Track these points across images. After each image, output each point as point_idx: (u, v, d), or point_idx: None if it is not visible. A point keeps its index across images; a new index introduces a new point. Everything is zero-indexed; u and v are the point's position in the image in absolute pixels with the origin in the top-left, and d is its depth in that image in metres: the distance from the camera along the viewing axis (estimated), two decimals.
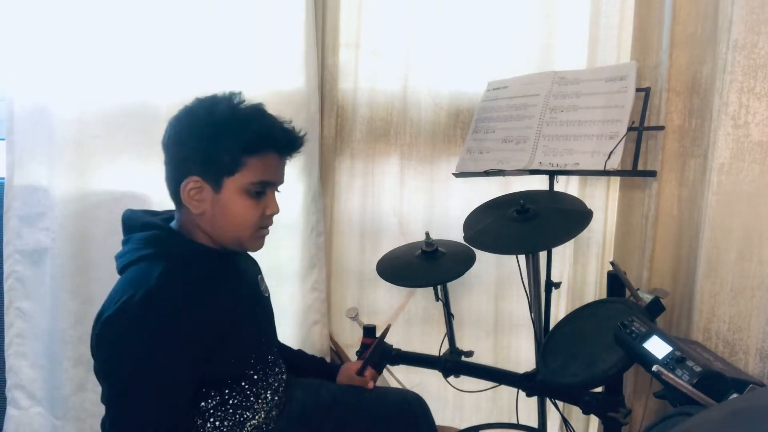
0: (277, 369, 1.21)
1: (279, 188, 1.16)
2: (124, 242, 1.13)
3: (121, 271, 1.09)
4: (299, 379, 1.32)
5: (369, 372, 1.36)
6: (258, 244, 1.15)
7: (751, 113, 1.33)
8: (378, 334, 1.54)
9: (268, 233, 1.16)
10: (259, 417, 1.14)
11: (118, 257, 1.10)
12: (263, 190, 1.10)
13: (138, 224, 1.12)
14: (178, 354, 1.00)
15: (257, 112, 1.11)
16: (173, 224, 1.14)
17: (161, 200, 1.17)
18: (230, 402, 1.10)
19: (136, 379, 0.98)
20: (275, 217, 1.15)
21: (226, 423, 1.09)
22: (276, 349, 1.25)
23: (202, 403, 1.07)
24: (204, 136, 1.06)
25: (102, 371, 1.02)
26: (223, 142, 1.06)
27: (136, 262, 1.06)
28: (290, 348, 1.45)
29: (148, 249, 1.07)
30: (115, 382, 0.99)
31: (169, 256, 1.06)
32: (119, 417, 0.99)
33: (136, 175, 1.63)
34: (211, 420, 1.08)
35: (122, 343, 0.98)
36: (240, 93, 1.12)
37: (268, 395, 1.16)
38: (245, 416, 1.12)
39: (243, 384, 1.11)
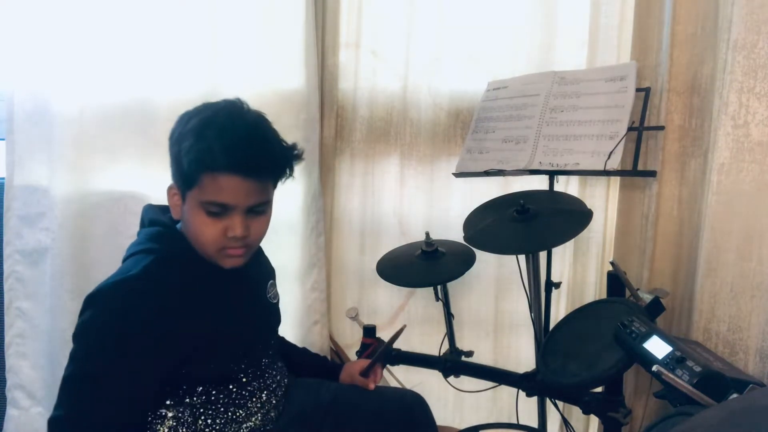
0: (274, 372, 1.21)
1: (258, 210, 1.07)
2: (137, 234, 1.16)
3: (123, 260, 1.12)
4: (299, 379, 1.32)
5: (378, 371, 1.35)
6: (228, 262, 1.08)
7: (751, 113, 1.33)
8: (378, 333, 1.54)
9: (241, 253, 1.08)
10: (256, 419, 1.14)
11: (128, 247, 1.14)
12: (221, 211, 1.04)
13: (147, 219, 1.15)
14: (139, 344, 1.00)
15: (232, 126, 1.03)
16: (180, 224, 1.15)
17: (160, 201, 1.17)
18: (220, 401, 1.10)
19: (92, 361, 0.99)
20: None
21: (218, 420, 1.09)
22: (272, 353, 1.24)
23: (187, 399, 1.07)
24: (174, 143, 1.06)
25: (73, 344, 1.03)
26: (183, 154, 1.02)
27: (135, 255, 1.08)
28: (295, 346, 1.44)
29: (149, 244, 1.09)
30: (74, 359, 1.01)
31: (163, 251, 1.08)
32: (67, 392, 1.01)
33: (136, 175, 1.63)
34: (203, 418, 1.08)
35: (89, 322, 1.01)
36: (237, 100, 1.09)
37: (263, 396, 1.16)
38: (238, 414, 1.11)
39: (231, 386, 1.11)
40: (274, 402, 1.18)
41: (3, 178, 1.64)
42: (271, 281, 1.28)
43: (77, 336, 1.02)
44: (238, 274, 1.13)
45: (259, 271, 1.26)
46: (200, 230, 1.05)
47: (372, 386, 1.31)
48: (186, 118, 1.06)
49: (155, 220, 1.14)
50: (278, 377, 1.21)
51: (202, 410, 1.08)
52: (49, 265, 1.62)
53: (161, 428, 1.06)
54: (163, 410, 1.06)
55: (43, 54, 1.55)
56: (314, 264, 1.79)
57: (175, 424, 1.06)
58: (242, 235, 1.05)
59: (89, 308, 1.02)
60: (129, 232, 1.59)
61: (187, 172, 1.02)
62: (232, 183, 1.02)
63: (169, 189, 1.10)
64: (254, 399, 1.14)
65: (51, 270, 1.62)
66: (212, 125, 1.02)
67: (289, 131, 1.14)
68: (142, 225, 1.17)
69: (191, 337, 1.05)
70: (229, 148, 1.00)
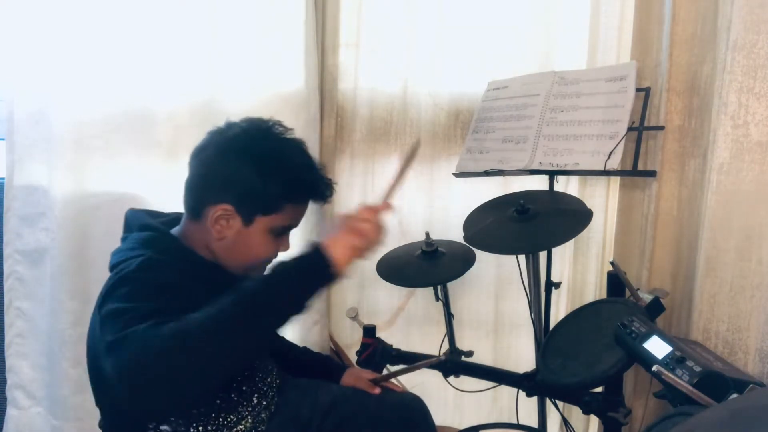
0: (264, 374, 1.19)
1: None
2: (122, 240, 1.13)
3: (111, 268, 1.08)
4: (296, 380, 1.31)
5: (389, 385, 1.34)
6: (260, 272, 1.12)
7: (750, 113, 1.33)
8: (378, 333, 1.54)
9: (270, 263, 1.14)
10: (246, 422, 1.12)
11: (113, 254, 1.09)
12: (286, 232, 1.12)
13: (137, 224, 1.12)
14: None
15: (308, 161, 1.10)
16: (175, 230, 1.12)
17: (160, 202, 1.17)
18: (212, 407, 1.07)
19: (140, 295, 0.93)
20: None
21: (209, 427, 1.06)
22: (265, 354, 1.22)
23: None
24: (253, 172, 1.04)
25: (105, 315, 0.93)
26: (272, 185, 1.04)
27: (126, 261, 1.03)
28: (295, 345, 1.44)
29: (141, 249, 1.05)
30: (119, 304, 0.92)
31: (160, 253, 1.04)
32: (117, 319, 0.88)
33: (135, 176, 1.63)
34: (194, 424, 1.05)
35: (128, 291, 0.94)
36: (274, 120, 1.10)
37: (254, 399, 1.14)
38: (229, 419, 1.09)
39: (221, 393, 1.08)
40: (264, 404, 1.17)
41: (3, 178, 1.64)
42: None
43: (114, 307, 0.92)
44: (231, 278, 1.11)
45: None
46: (261, 251, 1.10)
47: (378, 390, 1.31)
48: (254, 145, 1.05)
49: (147, 224, 1.11)
50: (269, 379, 1.19)
51: (194, 415, 1.06)
52: (49, 265, 1.62)
53: None
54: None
55: (44, 55, 1.55)
56: None
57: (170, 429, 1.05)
58: (287, 250, 1.13)
59: (118, 291, 0.95)
60: None
61: (273, 202, 1.06)
62: (306, 208, 1.12)
63: (216, 210, 1.04)
64: (245, 403, 1.12)
65: (51, 270, 1.62)
66: (294, 159, 1.08)
67: None
68: (129, 230, 1.13)
69: None
70: (317, 182, 1.09)
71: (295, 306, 0.91)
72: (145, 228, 1.11)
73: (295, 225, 1.13)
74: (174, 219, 1.15)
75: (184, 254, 1.08)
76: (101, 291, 1.01)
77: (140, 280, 0.96)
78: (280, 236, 1.11)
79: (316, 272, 0.94)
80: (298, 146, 1.11)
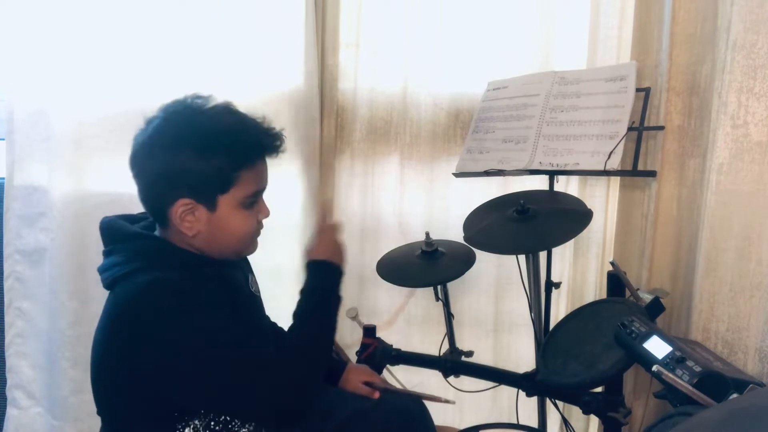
0: None
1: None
2: (107, 253, 1.08)
3: (109, 285, 1.04)
4: None
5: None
6: (254, 248, 1.14)
7: (750, 113, 1.32)
8: (378, 333, 1.54)
9: (259, 234, 1.14)
10: (250, 426, 1.11)
11: (104, 270, 1.05)
12: (256, 199, 1.08)
13: (120, 234, 1.08)
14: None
15: (239, 120, 1.05)
16: (158, 233, 1.10)
17: None
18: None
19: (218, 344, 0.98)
20: (275, 217, 1.15)
21: (217, 429, 1.06)
22: None
23: (197, 421, 1.04)
24: (190, 156, 1.00)
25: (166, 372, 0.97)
26: (214, 161, 1.00)
27: (130, 276, 1.01)
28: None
29: (140, 261, 1.02)
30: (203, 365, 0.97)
31: (163, 266, 1.02)
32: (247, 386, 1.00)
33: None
34: (203, 427, 1.06)
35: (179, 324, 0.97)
36: (198, 95, 1.07)
37: None
38: (234, 423, 1.08)
39: None
40: None
41: (3, 178, 1.64)
42: (250, 274, 1.27)
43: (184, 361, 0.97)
44: (228, 275, 1.11)
45: (240, 266, 1.23)
46: (240, 227, 1.06)
47: (377, 395, 1.30)
48: (182, 129, 1.02)
49: (136, 233, 1.07)
50: None
51: (203, 419, 1.06)
52: (49, 265, 1.62)
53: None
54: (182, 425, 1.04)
55: (44, 55, 1.56)
56: None
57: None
58: (269, 215, 1.11)
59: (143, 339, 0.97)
60: None
61: (224, 176, 1.02)
62: (264, 168, 1.08)
63: (177, 208, 1.01)
64: None
65: (50, 270, 1.62)
66: (226, 125, 1.03)
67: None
68: (112, 242, 1.09)
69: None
70: (259, 137, 1.05)
71: (337, 303, 1.16)
72: (133, 237, 1.07)
73: (264, 187, 1.09)
74: (151, 220, 1.12)
75: (182, 258, 1.06)
76: (127, 323, 1.00)
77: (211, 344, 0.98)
78: (254, 205, 1.08)
79: (331, 275, 1.16)
80: (225, 110, 1.05)
